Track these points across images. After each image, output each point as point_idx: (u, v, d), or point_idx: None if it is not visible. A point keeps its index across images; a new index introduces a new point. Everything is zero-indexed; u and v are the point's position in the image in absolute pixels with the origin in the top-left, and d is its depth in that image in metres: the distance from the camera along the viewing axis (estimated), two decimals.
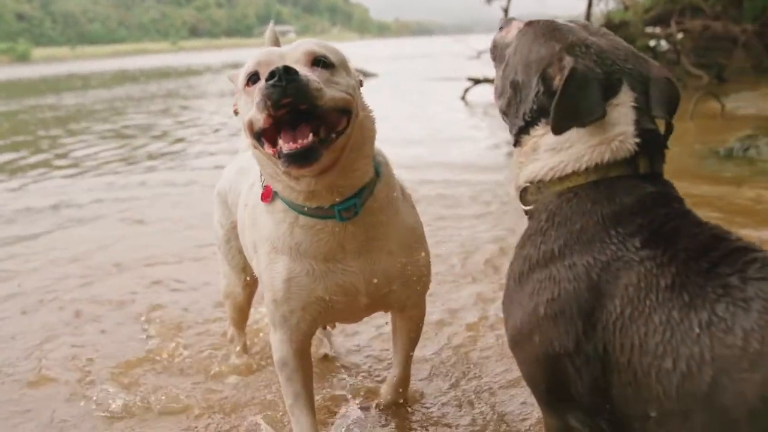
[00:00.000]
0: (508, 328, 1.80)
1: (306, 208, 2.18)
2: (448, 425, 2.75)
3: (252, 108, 1.99)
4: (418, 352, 2.93)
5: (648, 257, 1.58)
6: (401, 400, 2.88)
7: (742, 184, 5.89)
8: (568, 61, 1.69)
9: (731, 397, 1.39)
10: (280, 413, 2.87)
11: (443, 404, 2.91)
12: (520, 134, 1.84)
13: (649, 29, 15.91)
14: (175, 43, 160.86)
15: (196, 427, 2.87)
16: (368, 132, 2.23)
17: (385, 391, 2.89)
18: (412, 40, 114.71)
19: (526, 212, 1.86)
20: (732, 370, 1.40)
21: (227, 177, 2.97)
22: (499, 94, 1.93)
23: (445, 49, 39.16)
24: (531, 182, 1.82)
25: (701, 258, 1.56)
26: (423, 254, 2.43)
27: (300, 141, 1.94)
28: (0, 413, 3.08)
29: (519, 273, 1.76)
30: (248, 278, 2.99)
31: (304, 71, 1.97)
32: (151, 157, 10.25)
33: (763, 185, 5.82)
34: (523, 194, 1.85)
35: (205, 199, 6.87)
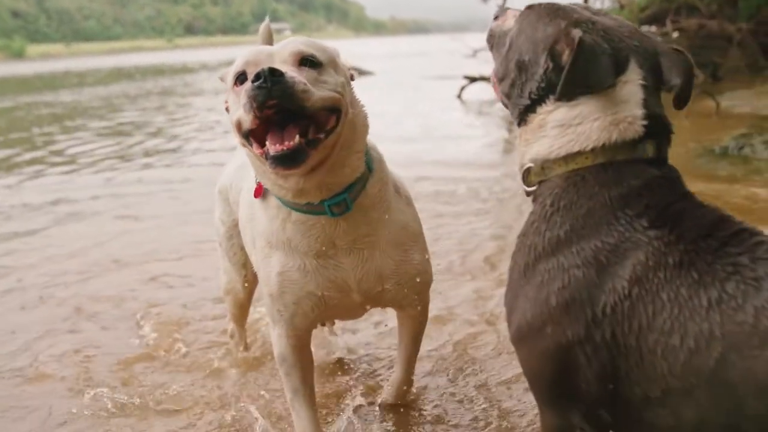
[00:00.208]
0: (513, 322, 1.77)
1: (296, 205, 2.19)
2: (449, 422, 2.75)
3: (240, 108, 1.99)
4: None
5: (656, 236, 1.58)
6: (403, 401, 2.86)
7: (737, 182, 5.90)
8: (576, 33, 1.68)
9: (739, 374, 1.41)
10: (276, 405, 2.90)
11: (444, 401, 2.91)
12: (525, 113, 1.82)
13: (644, 28, 15.94)
14: (171, 40, 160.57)
15: (195, 424, 2.86)
16: (359, 128, 2.22)
17: (386, 391, 2.88)
18: (408, 38, 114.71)
19: (529, 194, 1.85)
20: (742, 347, 1.41)
21: (228, 174, 2.97)
22: (501, 77, 1.91)
23: (441, 48, 39.09)
24: (535, 161, 1.79)
25: (709, 237, 1.57)
26: (418, 253, 2.41)
27: (286, 143, 1.94)
28: None
29: (524, 264, 1.73)
30: (249, 275, 3.00)
31: (291, 72, 1.97)
32: (147, 153, 10.25)
33: (758, 184, 5.85)
34: (526, 174, 1.83)
35: (202, 195, 6.91)
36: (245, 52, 2.14)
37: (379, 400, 2.89)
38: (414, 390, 2.92)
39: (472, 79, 14.81)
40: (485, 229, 5.25)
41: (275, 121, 1.96)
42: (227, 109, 2.20)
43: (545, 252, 1.68)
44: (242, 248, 2.82)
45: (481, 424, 2.72)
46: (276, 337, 2.45)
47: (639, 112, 1.70)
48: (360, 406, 2.85)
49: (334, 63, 2.16)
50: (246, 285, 3.09)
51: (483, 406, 2.84)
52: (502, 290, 3.79)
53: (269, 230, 2.30)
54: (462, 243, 4.90)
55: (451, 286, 4.07)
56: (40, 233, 6.01)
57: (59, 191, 7.71)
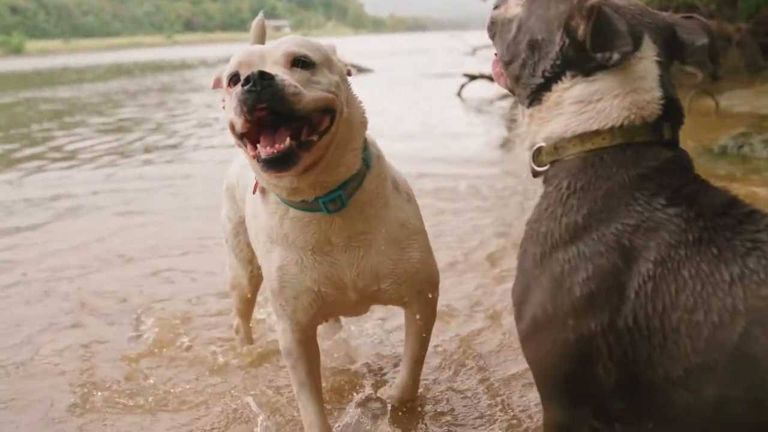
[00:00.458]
0: (524, 314, 1.71)
1: (292, 202, 2.20)
2: (455, 418, 2.76)
3: (232, 110, 1.99)
4: None
5: (675, 214, 1.57)
6: (410, 400, 2.83)
7: (736, 181, 5.88)
8: (592, 1, 1.66)
9: (762, 348, 1.41)
10: (278, 400, 2.91)
11: (449, 397, 2.91)
12: (538, 92, 1.78)
13: None
14: (170, 36, 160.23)
15: (198, 420, 2.87)
16: (356, 127, 2.22)
17: (391, 391, 2.85)
18: (407, 35, 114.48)
19: (536, 174, 1.82)
20: (765, 321, 1.42)
21: (234, 171, 2.97)
22: (509, 60, 1.87)
23: (440, 45, 39.09)
24: (549, 140, 1.76)
25: (725, 215, 1.57)
26: (417, 251, 2.38)
27: (277, 146, 1.94)
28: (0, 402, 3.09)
29: (540, 253, 1.68)
30: (255, 270, 2.99)
31: (282, 74, 1.96)
32: (147, 150, 10.26)
33: (757, 183, 5.86)
34: (537, 154, 1.79)
35: (203, 191, 6.97)
36: (239, 53, 2.14)
37: (385, 396, 2.86)
38: (419, 388, 2.91)
39: (472, 77, 14.80)
40: (487, 226, 5.26)
41: (268, 122, 1.96)
42: (225, 108, 2.20)
43: (563, 240, 1.64)
44: (248, 245, 2.81)
45: (487, 420, 2.73)
46: (281, 332, 2.47)
47: (657, 92, 1.69)
48: (366, 401, 2.84)
49: (328, 62, 2.15)
50: (252, 281, 3.09)
51: (488, 402, 2.85)
52: (504, 286, 3.86)
53: (269, 225, 2.32)
54: (463, 240, 4.92)
55: (454, 283, 4.07)
56: (42, 228, 6.03)
57: (60, 187, 7.72)
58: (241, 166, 2.86)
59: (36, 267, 4.89)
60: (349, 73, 2.26)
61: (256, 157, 1.99)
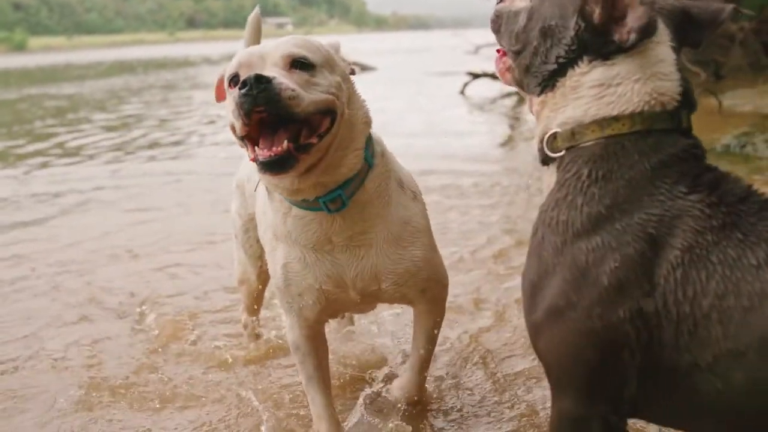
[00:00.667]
0: (539, 304, 1.68)
1: (294, 201, 2.20)
2: (463, 415, 2.76)
3: (230, 113, 2.00)
4: None
5: (698, 200, 1.57)
6: (413, 401, 2.77)
7: None
8: None
9: None
10: (284, 396, 2.94)
11: (457, 393, 2.92)
12: (552, 78, 1.76)
13: None
14: (173, 34, 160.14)
15: (204, 416, 2.87)
16: (359, 127, 2.21)
17: (395, 390, 2.78)
18: (409, 33, 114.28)
19: (546, 162, 1.80)
20: None
21: (244, 168, 2.97)
22: (518, 50, 1.86)
23: (443, 44, 39.07)
24: (565, 126, 1.73)
25: (746, 201, 1.57)
26: (420, 249, 2.35)
27: (274, 149, 1.94)
28: (5, 396, 3.10)
29: (560, 243, 1.64)
30: (263, 266, 2.96)
31: (280, 76, 1.96)
32: (151, 146, 10.29)
33: (760, 182, 5.85)
34: (551, 140, 1.76)
35: (208, 187, 6.99)
36: (240, 53, 2.14)
37: (390, 396, 2.81)
38: (427, 387, 2.89)
39: (476, 75, 14.81)
40: (494, 224, 5.28)
41: (268, 123, 1.96)
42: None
43: (584, 229, 1.61)
44: (258, 241, 2.81)
45: (495, 417, 2.73)
46: (289, 327, 2.49)
47: (676, 79, 1.70)
48: (376, 396, 2.83)
49: (329, 62, 2.14)
50: (260, 276, 3.10)
51: (495, 399, 2.85)
52: (511, 283, 3.88)
53: (274, 222, 2.33)
54: (470, 237, 4.94)
55: (461, 280, 4.07)
56: (49, 223, 6.06)
57: (65, 182, 7.75)
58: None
59: (44, 261, 4.91)
60: (352, 72, 2.26)
61: (255, 160, 2.00)
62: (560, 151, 1.74)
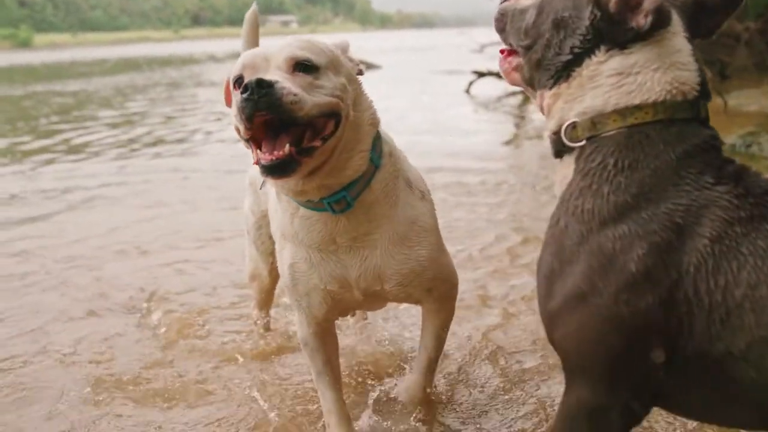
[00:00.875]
0: (559, 290, 1.67)
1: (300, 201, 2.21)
2: (474, 411, 2.77)
3: (234, 116, 1.99)
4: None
5: (725, 191, 1.58)
6: (418, 403, 2.71)
7: None
8: None
9: None
10: (288, 390, 2.96)
11: (467, 390, 2.92)
12: (567, 69, 1.76)
13: None
14: (178, 31, 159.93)
15: (214, 412, 2.87)
16: (365, 128, 2.20)
17: (400, 390, 2.74)
18: (414, 32, 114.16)
19: (559, 154, 1.80)
20: None
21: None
22: (529, 44, 1.85)
23: (448, 42, 39.01)
24: (584, 115, 1.73)
25: None
26: (426, 249, 2.34)
27: (275, 152, 1.93)
28: (14, 390, 3.12)
29: (586, 231, 1.64)
30: (274, 263, 2.98)
31: (283, 80, 1.95)
32: (157, 143, 10.31)
33: None
34: (569, 130, 1.75)
35: (213, 184, 7.03)
36: (244, 55, 2.13)
37: (399, 397, 2.76)
38: (437, 384, 2.88)
39: (481, 74, 14.81)
40: (501, 221, 5.30)
41: (272, 125, 1.96)
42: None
43: (611, 217, 1.62)
44: (270, 237, 2.80)
45: (508, 413, 2.74)
46: (298, 323, 2.51)
47: (695, 69, 1.71)
48: (385, 397, 2.82)
49: (333, 64, 2.13)
50: (271, 273, 3.10)
51: (506, 397, 2.86)
52: (521, 280, 3.91)
53: (282, 222, 2.34)
54: (477, 235, 4.95)
55: (469, 277, 4.08)
56: (57, 219, 6.09)
57: (72, 179, 7.78)
58: None
59: (52, 257, 4.93)
60: (360, 73, 2.24)
61: (258, 163, 1.99)
62: (580, 141, 1.74)
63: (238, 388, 3.03)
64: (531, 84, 1.90)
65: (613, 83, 1.70)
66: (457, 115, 12.12)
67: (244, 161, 3.15)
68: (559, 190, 1.80)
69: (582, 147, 1.73)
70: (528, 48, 1.86)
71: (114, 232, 5.55)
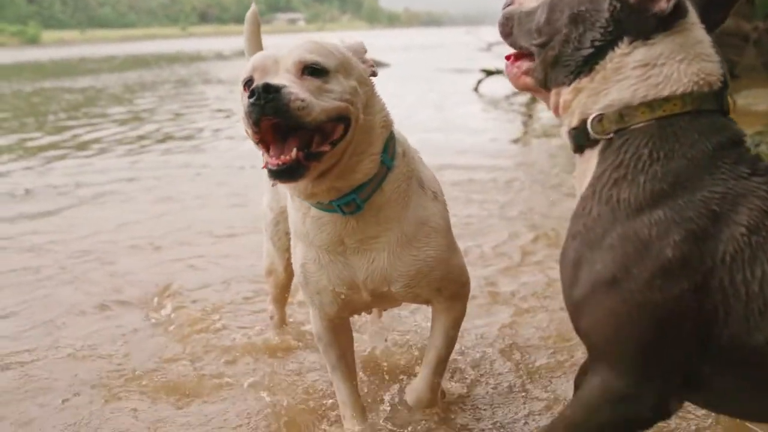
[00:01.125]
0: (586, 277, 1.66)
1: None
2: (495, 408, 2.77)
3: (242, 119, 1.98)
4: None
5: (763, 182, 1.60)
6: (426, 406, 2.63)
7: None
8: None
9: None
10: (300, 384, 2.98)
11: (488, 388, 2.93)
12: (589, 62, 1.75)
13: None
14: (185, 28, 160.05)
15: (229, 405, 2.88)
16: (376, 131, 2.17)
17: (408, 392, 2.66)
18: (422, 30, 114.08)
19: (580, 149, 1.80)
20: None
21: None
22: (544, 42, 1.83)
23: (455, 41, 38.99)
24: (611, 108, 1.72)
25: None
26: (434, 249, 2.30)
27: (283, 157, 1.92)
28: (26, 381, 3.14)
29: (622, 217, 1.64)
30: (290, 258, 3.01)
31: (291, 85, 1.93)
32: (166, 139, 10.35)
33: None
34: (595, 122, 1.73)
35: (224, 180, 7.08)
36: (255, 56, 2.11)
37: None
38: (453, 382, 2.87)
39: (489, 73, 14.81)
40: (514, 218, 5.31)
41: (281, 129, 1.94)
42: None
43: (647, 204, 1.61)
44: (287, 233, 2.74)
45: (524, 410, 2.75)
46: (312, 318, 2.53)
47: (717, 60, 1.72)
48: (401, 389, 2.81)
49: (344, 66, 2.10)
50: (287, 269, 3.10)
51: (524, 393, 2.87)
52: (533, 278, 3.93)
53: (295, 222, 2.35)
54: (488, 232, 4.96)
55: (481, 275, 4.08)
56: (69, 214, 6.12)
57: (82, 174, 7.82)
58: None
59: (65, 252, 4.95)
60: (374, 74, 2.22)
61: (266, 167, 1.98)
62: (608, 134, 1.72)
63: (252, 383, 3.03)
64: (544, 84, 1.87)
65: (639, 75, 1.70)
66: (465, 113, 12.12)
67: (254, 158, 3.14)
68: (579, 184, 1.80)
69: (609, 140, 1.73)
70: (542, 45, 1.84)
71: (126, 228, 5.57)
